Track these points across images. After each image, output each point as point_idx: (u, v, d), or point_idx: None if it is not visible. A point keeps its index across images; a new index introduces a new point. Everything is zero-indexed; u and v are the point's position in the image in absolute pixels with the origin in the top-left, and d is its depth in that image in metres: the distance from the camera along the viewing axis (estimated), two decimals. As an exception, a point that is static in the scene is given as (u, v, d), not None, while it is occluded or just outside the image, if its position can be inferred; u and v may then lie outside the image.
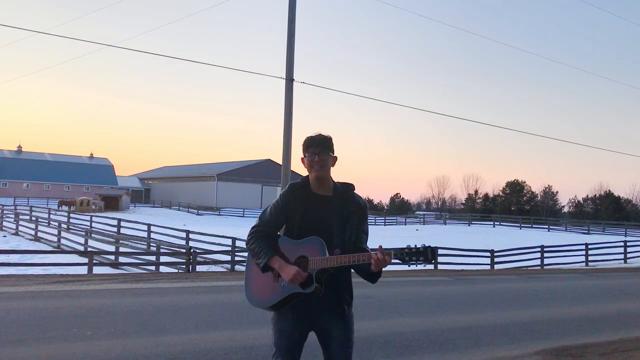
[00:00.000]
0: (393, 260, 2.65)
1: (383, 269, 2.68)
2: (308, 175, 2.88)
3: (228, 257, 17.04)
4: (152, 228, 24.08)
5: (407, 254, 2.62)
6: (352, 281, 2.89)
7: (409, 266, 2.67)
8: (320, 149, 2.80)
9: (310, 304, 2.75)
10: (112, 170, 77.36)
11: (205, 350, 5.46)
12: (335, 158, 2.88)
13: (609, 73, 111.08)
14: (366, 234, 2.92)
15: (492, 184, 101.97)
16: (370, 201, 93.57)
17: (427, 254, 2.61)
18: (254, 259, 2.80)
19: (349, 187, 2.92)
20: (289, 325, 2.78)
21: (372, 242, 2.69)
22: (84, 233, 21.59)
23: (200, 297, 9.37)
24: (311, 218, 2.79)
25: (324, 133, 2.88)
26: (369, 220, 3.06)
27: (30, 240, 24.71)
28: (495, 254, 20.49)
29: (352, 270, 2.86)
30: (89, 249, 18.02)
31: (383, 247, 2.64)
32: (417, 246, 2.63)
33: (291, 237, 2.81)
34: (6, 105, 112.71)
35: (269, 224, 2.86)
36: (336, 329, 2.78)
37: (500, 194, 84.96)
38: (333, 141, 2.87)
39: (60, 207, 48.78)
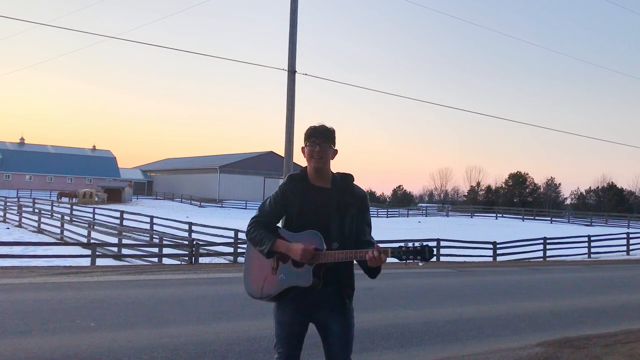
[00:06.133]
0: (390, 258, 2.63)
1: (383, 264, 2.65)
2: (307, 167, 2.86)
3: (231, 249, 17.08)
4: (155, 220, 24.12)
5: (405, 253, 2.60)
6: (354, 273, 2.87)
7: (405, 263, 2.65)
8: (321, 139, 2.77)
9: (309, 297, 2.74)
10: (114, 162, 77.35)
11: (208, 341, 5.48)
12: (336, 151, 2.85)
13: (613, 64, 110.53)
14: (369, 225, 2.89)
15: (495, 176, 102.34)
16: (372, 193, 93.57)
17: (425, 253, 2.58)
18: (257, 247, 2.78)
19: (347, 178, 2.89)
20: (288, 317, 2.78)
21: (375, 235, 2.67)
22: (86, 225, 21.65)
23: (203, 289, 9.40)
24: (309, 210, 2.77)
25: (328, 124, 2.84)
26: (370, 212, 3.02)
27: (34, 232, 24.77)
28: (498, 246, 20.48)
29: (355, 262, 2.83)
30: (92, 241, 18.06)
31: (385, 240, 2.62)
32: (415, 245, 2.60)
33: (290, 229, 2.79)
34: (8, 97, 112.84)
35: (268, 214, 2.85)
36: (335, 322, 2.78)
37: (503, 185, 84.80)
38: (336, 133, 2.84)
39: (60, 199, 48.85)
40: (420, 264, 2.62)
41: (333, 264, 2.69)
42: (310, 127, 2.82)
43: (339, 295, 2.79)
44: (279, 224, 2.91)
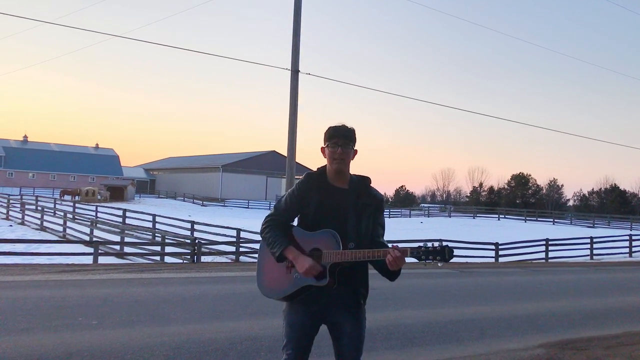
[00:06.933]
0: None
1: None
2: (325, 166, 2.84)
3: (233, 248, 17.09)
4: (157, 218, 24.15)
5: (424, 253, 2.56)
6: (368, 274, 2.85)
7: (425, 264, 2.63)
8: (343, 140, 2.74)
9: (322, 298, 2.72)
10: (117, 160, 77.46)
11: (210, 340, 5.48)
12: (356, 151, 2.83)
13: (616, 66, 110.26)
14: (383, 227, 2.87)
15: (497, 177, 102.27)
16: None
17: (445, 253, 2.54)
18: (269, 248, 2.76)
19: (365, 180, 2.88)
20: (300, 318, 2.75)
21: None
22: (89, 223, 21.67)
23: (205, 288, 9.41)
24: (326, 209, 2.74)
25: (348, 124, 2.80)
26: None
27: (36, 229, 24.79)
28: (500, 247, 20.45)
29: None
30: (94, 239, 18.07)
31: (391, 240, 2.61)
32: (435, 245, 2.57)
33: (305, 227, 2.77)
34: (12, 96, 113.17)
35: (284, 212, 2.82)
36: (347, 324, 2.76)
37: (506, 187, 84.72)
38: (356, 133, 2.81)
39: (62, 197, 48.94)
40: (439, 264, 2.58)
41: (348, 264, 2.66)
42: (331, 127, 2.78)
43: (353, 295, 2.77)
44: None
